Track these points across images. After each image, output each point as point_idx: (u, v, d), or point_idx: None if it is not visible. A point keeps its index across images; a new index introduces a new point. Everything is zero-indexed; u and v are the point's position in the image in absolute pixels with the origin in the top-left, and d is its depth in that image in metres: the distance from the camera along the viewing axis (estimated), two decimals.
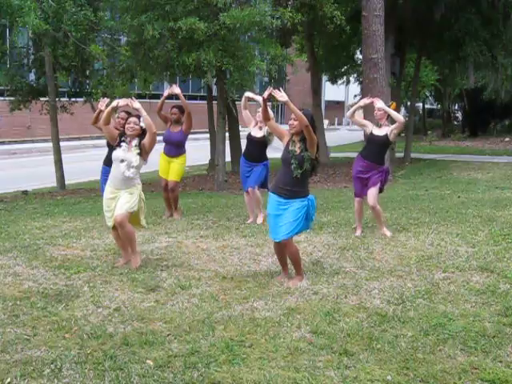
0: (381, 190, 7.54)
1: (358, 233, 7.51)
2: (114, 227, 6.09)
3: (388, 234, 7.40)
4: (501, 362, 3.81)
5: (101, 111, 7.55)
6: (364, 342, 4.10)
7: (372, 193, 7.38)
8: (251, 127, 8.30)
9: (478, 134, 35.13)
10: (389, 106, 7.43)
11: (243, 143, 20.42)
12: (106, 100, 7.45)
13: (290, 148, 5.37)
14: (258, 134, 8.22)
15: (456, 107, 45.62)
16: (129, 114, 7.60)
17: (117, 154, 6.00)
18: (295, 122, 5.30)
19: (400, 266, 6.04)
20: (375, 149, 7.37)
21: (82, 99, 17.21)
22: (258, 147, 8.22)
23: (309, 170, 5.35)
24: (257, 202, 8.42)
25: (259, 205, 8.40)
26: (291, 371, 3.67)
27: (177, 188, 9.02)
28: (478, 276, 5.63)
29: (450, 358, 3.87)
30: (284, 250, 5.54)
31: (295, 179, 5.31)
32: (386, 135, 7.29)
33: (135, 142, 6.01)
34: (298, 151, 5.32)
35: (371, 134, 7.44)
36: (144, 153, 6.01)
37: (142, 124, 6.04)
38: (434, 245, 6.90)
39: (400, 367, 3.73)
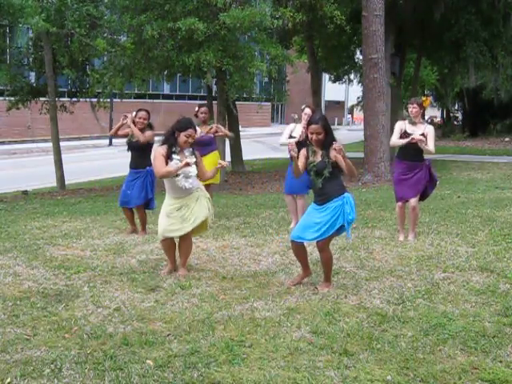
0: (433, 187, 7.34)
1: (402, 237, 7.26)
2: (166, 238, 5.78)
3: (411, 238, 7.21)
4: (501, 361, 3.81)
5: (123, 125, 7.57)
6: (364, 341, 4.10)
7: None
8: (293, 132, 7.85)
9: (478, 133, 35.09)
10: (422, 102, 7.25)
11: (243, 143, 20.51)
12: (131, 114, 7.49)
13: (310, 159, 5.14)
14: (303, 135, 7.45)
15: (456, 107, 45.58)
16: (148, 113, 7.59)
17: None
18: (319, 137, 5.03)
19: (400, 266, 6.04)
20: (411, 149, 7.05)
21: (82, 99, 17.23)
22: (302, 147, 7.57)
23: (329, 175, 5.06)
24: (303, 207, 7.77)
25: (302, 210, 7.62)
26: (291, 371, 3.67)
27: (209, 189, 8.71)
28: (477, 276, 5.63)
29: (450, 357, 3.86)
30: (306, 252, 5.43)
31: (321, 187, 5.11)
32: (424, 135, 6.99)
33: (188, 151, 5.60)
34: (320, 158, 5.10)
35: (405, 132, 7.09)
36: (202, 165, 5.71)
37: (196, 134, 5.67)
38: (433, 245, 6.90)
39: (400, 367, 3.73)
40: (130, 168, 7.74)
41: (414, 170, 7.15)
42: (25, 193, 14.44)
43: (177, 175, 5.50)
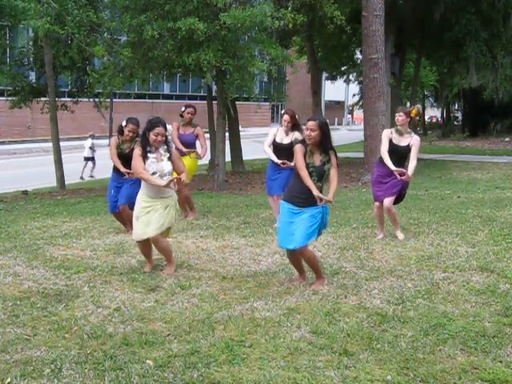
0: (402, 195, 7.35)
1: (381, 236, 7.35)
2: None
3: (400, 236, 7.23)
4: (501, 362, 3.81)
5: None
6: (364, 342, 4.10)
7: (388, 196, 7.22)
8: (276, 137, 7.98)
9: (478, 133, 35.11)
10: (410, 111, 7.22)
11: (243, 143, 20.52)
12: None
13: (307, 160, 5.12)
14: (285, 140, 7.84)
15: (456, 107, 45.61)
16: (137, 125, 7.45)
17: (147, 168, 5.64)
18: (313, 134, 5.07)
19: (400, 266, 6.04)
20: (395, 158, 7.09)
21: (84, 100, 17.27)
22: (285, 153, 7.72)
23: (326, 182, 5.23)
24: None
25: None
26: (291, 371, 3.67)
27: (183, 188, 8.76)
28: (478, 276, 5.63)
29: (450, 357, 3.86)
30: (298, 257, 5.41)
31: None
32: (408, 146, 7.05)
33: (162, 149, 5.71)
34: (319, 163, 5.15)
35: (391, 142, 7.10)
36: (176, 159, 5.79)
37: (167, 133, 5.76)
38: (433, 245, 6.90)
39: (400, 367, 3.73)
40: (115, 173, 7.68)
41: (392, 175, 7.16)
42: (25, 193, 14.45)
43: (153, 173, 5.63)
